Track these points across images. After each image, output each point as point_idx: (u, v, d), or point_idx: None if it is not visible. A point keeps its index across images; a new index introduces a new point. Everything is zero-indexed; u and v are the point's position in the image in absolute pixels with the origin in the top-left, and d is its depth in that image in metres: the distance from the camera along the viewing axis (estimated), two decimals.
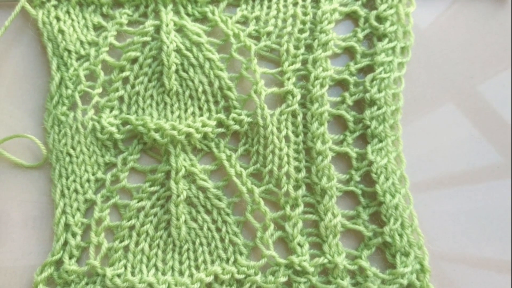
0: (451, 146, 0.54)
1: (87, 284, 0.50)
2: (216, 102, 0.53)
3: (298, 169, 0.52)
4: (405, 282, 0.49)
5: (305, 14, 0.53)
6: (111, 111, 0.52)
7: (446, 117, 0.55)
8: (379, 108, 0.51)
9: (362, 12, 0.53)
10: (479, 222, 0.53)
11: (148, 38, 0.52)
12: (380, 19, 0.53)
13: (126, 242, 0.51)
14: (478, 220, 0.53)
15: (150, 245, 0.51)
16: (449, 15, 0.56)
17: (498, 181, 0.54)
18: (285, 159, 0.51)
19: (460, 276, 0.52)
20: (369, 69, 0.53)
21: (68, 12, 0.53)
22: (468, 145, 0.54)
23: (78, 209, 0.51)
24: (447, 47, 0.55)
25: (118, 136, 0.51)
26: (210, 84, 0.52)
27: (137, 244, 0.51)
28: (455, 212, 0.53)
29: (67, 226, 0.51)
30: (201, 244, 0.51)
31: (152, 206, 0.51)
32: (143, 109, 0.52)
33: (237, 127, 0.52)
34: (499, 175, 0.54)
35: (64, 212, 0.51)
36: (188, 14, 0.53)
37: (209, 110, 0.53)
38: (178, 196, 0.50)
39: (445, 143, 0.54)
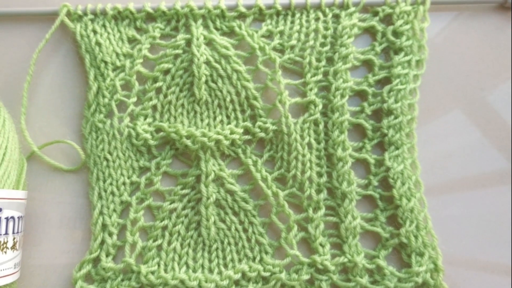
0: (460, 153, 0.57)
1: (122, 280, 0.53)
2: (243, 111, 0.56)
3: (320, 174, 0.55)
4: (420, 280, 0.52)
5: (326, 28, 0.56)
6: (145, 119, 0.56)
7: (457, 126, 0.58)
8: (396, 118, 0.55)
9: (379, 27, 0.57)
10: (485, 227, 0.56)
11: (179, 51, 0.56)
12: (396, 34, 0.56)
13: (159, 242, 0.54)
14: (485, 224, 0.56)
15: (181, 244, 0.54)
16: (454, 28, 0.59)
17: (506, 186, 0.57)
18: (308, 164, 0.55)
19: (469, 280, 0.55)
20: (386, 80, 0.56)
21: (104, 25, 0.56)
22: (477, 152, 0.57)
23: (114, 210, 0.54)
24: (454, 59, 0.59)
25: (152, 142, 0.55)
26: (238, 94, 0.56)
27: (169, 243, 0.54)
28: (463, 216, 0.56)
29: (104, 226, 0.54)
30: (229, 243, 0.55)
31: (184, 208, 0.55)
32: (175, 117, 0.56)
33: (262, 134, 0.55)
34: (507, 180, 0.57)
35: (101, 213, 0.54)
36: (216, 28, 0.57)
37: (236, 118, 0.56)
38: (207, 198, 0.54)
39: (454, 150, 0.57)
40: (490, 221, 0.56)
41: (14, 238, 0.47)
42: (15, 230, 0.47)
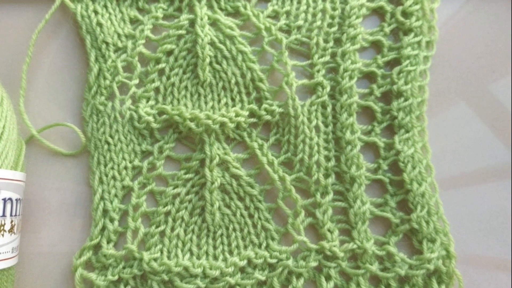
0: (466, 144, 0.56)
1: (124, 268, 0.51)
2: (248, 93, 0.54)
3: (328, 158, 0.53)
4: (431, 267, 0.50)
5: (334, 9, 0.55)
6: (147, 101, 0.54)
7: (464, 116, 0.56)
8: (405, 100, 0.53)
9: (388, 7, 0.55)
10: (487, 221, 0.54)
11: (183, 32, 0.54)
12: (406, 14, 0.55)
13: (162, 228, 0.52)
14: (487, 219, 0.54)
15: (185, 231, 0.53)
16: (467, 11, 0.58)
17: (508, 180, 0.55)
18: (316, 148, 0.53)
19: (473, 276, 0.54)
20: (395, 62, 0.54)
21: (105, 6, 0.55)
22: (483, 143, 0.56)
23: (116, 195, 0.53)
24: (465, 43, 0.57)
25: (154, 125, 0.53)
26: (243, 76, 0.54)
27: (172, 229, 0.52)
28: (464, 210, 0.55)
29: (105, 211, 0.52)
30: (234, 229, 0.53)
31: (187, 193, 0.53)
32: (178, 99, 0.54)
33: (268, 117, 0.54)
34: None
35: (102, 198, 0.52)
36: (221, 9, 0.55)
37: (241, 101, 0.54)
38: (212, 183, 0.52)
39: (462, 141, 0.56)
40: (491, 216, 0.54)
41: (12, 221, 0.45)
42: (13, 213, 0.45)
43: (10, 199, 0.44)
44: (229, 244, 0.53)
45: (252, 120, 0.54)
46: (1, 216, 0.44)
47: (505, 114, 0.56)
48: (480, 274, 0.53)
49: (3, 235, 0.44)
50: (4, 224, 0.44)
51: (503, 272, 0.53)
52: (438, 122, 0.56)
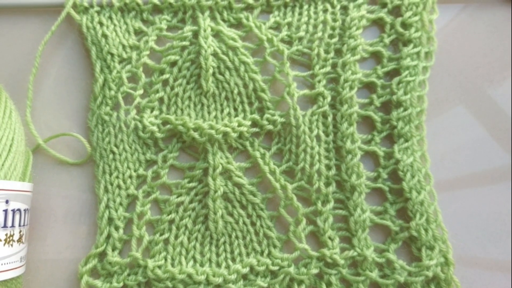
0: (466, 148, 0.57)
1: (129, 275, 0.53)
2: (251, 103, 0.56)
3: (328, 167, 0.54)
4: (430, 274, 0.51)
5: (334, 20, 0.56)
6: (152, 111, 0.55)
7: (462, 121, 0.57)
8: (405, 110, 0.54)
9: (388, 19, 0.56)
10: (487, 224, 0.55)
11: (186, 43, 0.55)
12: (405, 25, 0.56)
13: (166, 235, 0.53)
14: (486, 221, 0.55)
15: (188, 238, 0.54)
16: (461, 21, 0.59)
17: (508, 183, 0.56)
18: (317, 157, 0.54)
19: (475, 278, 0.54)
20: (395, 72, 0.56)
21: (110, 17, 0.56)
22: (482, 147, 0.57)
23: (120, 204, 0.54)
24: (461, 52, 0.58)
25: (158, 135, 0.54)
26: (245, 86, 0.55)
27: (176, 237, 0.54)
28: (464, 213, 0.55)
29: (110, 220, 0.53)
30: (237, 237, 0.54)
31: (191, 201, 0.54)
32: (181, 109, 0.55)
33: (270, 127, 0.55)
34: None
35: (107, 206, 0.53)
36: (224, 20, 0.56)
37: (244, 110, 0.55)
38: (215, 191, 0.53)
39: (460, 145, 0.57)
40: (491, 218, 0.55)
41: (20, 231, 0.46)
42: (22, 223, 0.46)
43: (18, 210, 0.45)
44: (232, 252, 0.54)
45: (254, 129, 0.55)
46: (10, 227, 0.45)
47: (504, 118, 0.57)
48: (480, 276, 0.54)
49: (12, 245, 0.45)
50: (13, 234, 0.45)
51: (503, 274, 0.54)
52: (438, 125, 0.57)
